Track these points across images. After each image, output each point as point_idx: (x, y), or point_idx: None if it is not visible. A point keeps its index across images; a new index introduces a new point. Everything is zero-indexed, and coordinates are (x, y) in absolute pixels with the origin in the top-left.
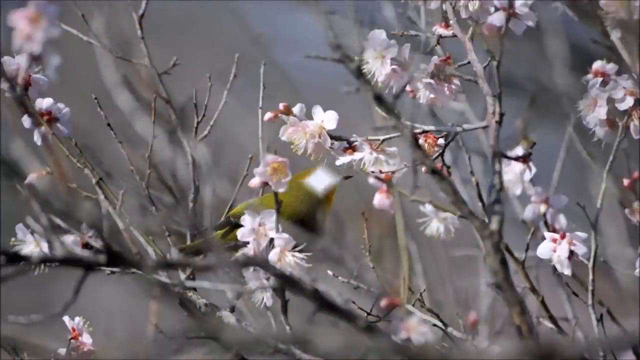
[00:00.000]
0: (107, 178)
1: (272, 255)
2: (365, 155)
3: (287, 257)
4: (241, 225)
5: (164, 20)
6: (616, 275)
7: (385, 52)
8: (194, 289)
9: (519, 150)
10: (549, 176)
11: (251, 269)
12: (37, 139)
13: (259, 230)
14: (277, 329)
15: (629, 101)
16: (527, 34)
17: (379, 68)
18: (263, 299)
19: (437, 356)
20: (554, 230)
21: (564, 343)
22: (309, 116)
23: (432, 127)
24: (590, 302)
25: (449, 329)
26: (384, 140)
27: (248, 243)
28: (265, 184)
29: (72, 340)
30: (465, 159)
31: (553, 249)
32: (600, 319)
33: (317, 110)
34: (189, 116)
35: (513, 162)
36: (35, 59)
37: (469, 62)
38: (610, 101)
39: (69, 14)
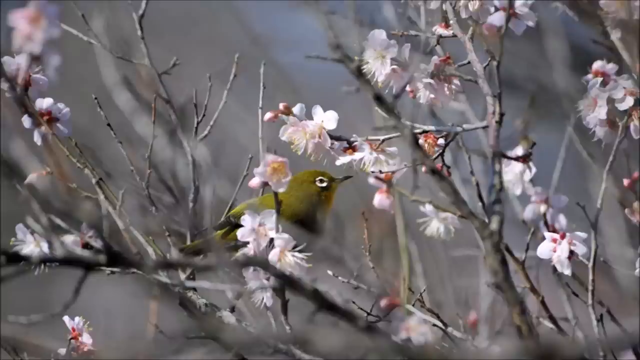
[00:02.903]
0: (107, 178)
1: (272, 255)
2: (365, 155)
3: (287, 257)
4: (241, 225)
5: (164, 20)
6: (616, 275)
7: (385, 52)
8: (194, 289)
9: (519, 150)
10: (549, 176)
11: (251, 269)
12: (37, 139)
13: (259, 230)
14: (277, 329)
15: (629, 101)
16: (527, 34)
17: (379, 68)
18: (263, 299)
19: (437, 356)
20: (554, 230)
21: (564, 343)
22: (309, 116)
23: (432, 127)
24: (590, 302)
25: (449, 329)
26: (384, 140)
27: (248, 243)
28: (265, 184)
29: (72, 340)
30: (465, 159)
31: (553, 249)
32: (600, 319)
33: (317, 110)
34: (189, 116)
35: (513, 162)
36: (35, 59)
37: (469, 62)
38: (610, 101)
39: (69, 14)
